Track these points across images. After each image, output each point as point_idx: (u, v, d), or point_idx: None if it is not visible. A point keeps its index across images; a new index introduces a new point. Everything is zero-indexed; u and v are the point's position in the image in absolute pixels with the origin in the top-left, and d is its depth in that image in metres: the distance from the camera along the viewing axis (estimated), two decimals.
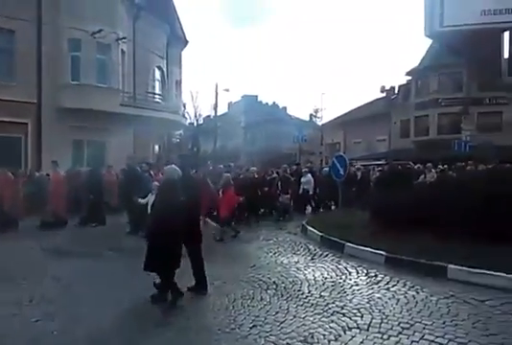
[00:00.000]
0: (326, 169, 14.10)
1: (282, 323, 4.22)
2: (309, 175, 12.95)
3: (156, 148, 21.94)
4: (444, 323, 4.12)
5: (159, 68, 22.15)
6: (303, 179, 12.79)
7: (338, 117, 39.63)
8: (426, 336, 3.82)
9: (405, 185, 9.48)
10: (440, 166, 14.04)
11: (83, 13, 16.02)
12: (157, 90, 22.13)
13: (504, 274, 5.15)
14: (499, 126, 25.14)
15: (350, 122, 35.44)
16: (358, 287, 5.34)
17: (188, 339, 3.97)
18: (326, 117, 53.03)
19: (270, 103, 53.43)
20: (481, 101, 25.77)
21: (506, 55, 10.38)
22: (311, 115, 48.29)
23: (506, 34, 9.37)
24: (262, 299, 4.96)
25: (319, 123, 43.41)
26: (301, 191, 12.65)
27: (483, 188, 7.00)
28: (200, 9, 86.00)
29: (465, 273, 5.45)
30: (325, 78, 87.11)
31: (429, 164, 13.49)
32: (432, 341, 3.72)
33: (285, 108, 53.23)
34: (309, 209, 13.17)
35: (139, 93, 19.57)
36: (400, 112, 30.40)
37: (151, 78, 21.32)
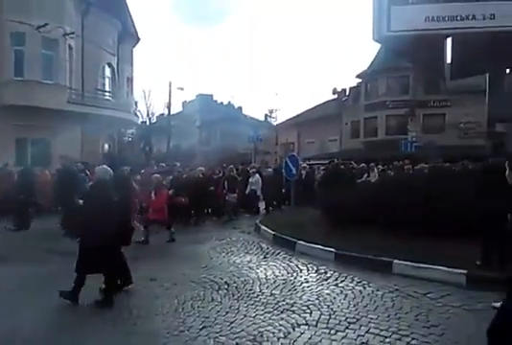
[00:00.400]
0: (270, 169, 14.21)
1: (232, 323, 4.20)
2: (257, 176, 13.00)
3: (106, 147, 21.24)
4: (388, 316, 4.27)
5: (109, 65, 21.46)
6: (251, 179, 12.82)
7: (293, 117, 40.19)
8: (371, 330, 3.95)
9: (347, 184, 9.81)
10: (380, 166, 14.44)
11: (28, 7, 15.17)
12: (107, 87, 21.43)
13: (444, 268, 5.42)
14: (442, 128, 26.53)
15: (304, 122, 36.05)
16: (308, 284, 5.42)
17: (135, 344, 3.86)
18: (281, 117, 53.50)
19: (226, 102, 53.28)
20: (426, 103, 27.05)
21: (449, 60, 11.01)
22: (266, 115, 48.69)
23: (449, 41, 9.93)
24: (213, 300, 4.91)
25: (274, 123, 43.87)
26: (248, 191, 12.67)
27: (423, 186, 7.37)
28: (155, 6, 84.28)
29: (409, 268, 5.69)
30: (280, 79, 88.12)
31: (372, 164, 13.95)
32: (377, 335, 3.85)
33: (240, 108, 53.19)
34: (260, 209, 13.18)
35: (88, 90, 18.86)
36: (350, 113, 31.30)
37: (100, 74, 20.61)
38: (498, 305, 4.44)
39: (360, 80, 31.21)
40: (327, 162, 16.28)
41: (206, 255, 7.32)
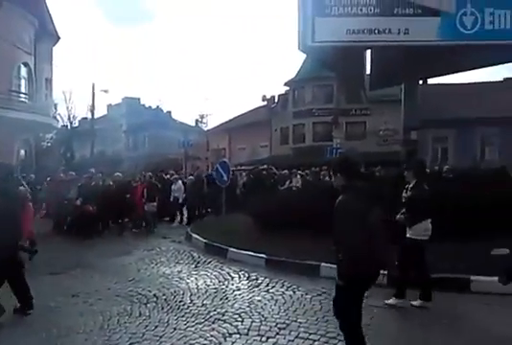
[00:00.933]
0: (191, 177, 14.05)
1: (161, 337, 4.05)
2: (179, 182, 12.71)
3: (22, 152, 19.67)
4: (317, 320, 4.39)
5: (26, 65, 19.97)
6: (173, 187, 12.50)
7: (224, 123, 40.27)
8: (301, 334, 4.02)
9: (269, 190, 10.00)
10: (300, 171, 14.83)
11: None
12: (23, 89, 19.91)
13: None
14: (363, 135, 28.18)
15: (234, 128, 36.27)
16: (239, 292, 5.41)
17: None
18: (212, 123, 53.45)
19: (154, 106, 51.93)
20: (348, 112, 28.57)
21: (369, 71, 11.74)
22: (196, 120, 48.31)
23: (369, 53, 10.60)
24: (141, 314, 4.70)
25: (205, 128, 43.62)
26: (172, 199, 12.36)
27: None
28: (76, 4, 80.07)
29: (335, 270, 5.89)
30: (210, 84, 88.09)
31: (294, 170, 14.37)
32: (307, 339, 3.93)
33: (169, 113, 52.22)
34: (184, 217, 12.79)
35: (0, 91, 17.37)
36: (280, 120, 32.09)
37: (15, 75, 19.13)
38: (415, 303, 4.78)
39: (288, 88, 32.15)
40: (250, 168, 16.52)
41: (133, 267, 7.00)
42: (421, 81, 15.04)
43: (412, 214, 4.79)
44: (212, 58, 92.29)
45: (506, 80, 27.97)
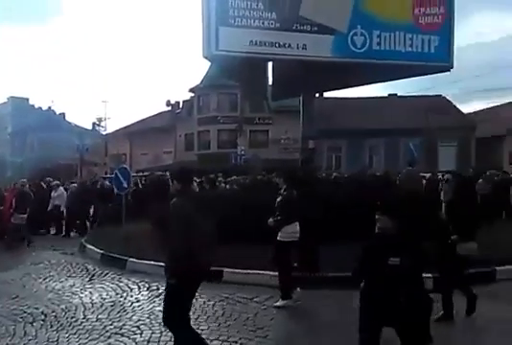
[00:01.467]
0: (74, 184, 13.24)
1: None
2: (61, 189, 11.82)
3: None
4: (219, 325, 4.40)
5: None
6: (53, 194, 11.49)
7: (124, 127, 38.59)
8: None
9: (163, 197, 9.85)
10: (196, 178, 14.89)
11: None
12: None
13: (269, 272, 5.84)
14: (266, 143, 29.24)
15: (136, 133, 35.02)
16: (139, 304, 5.20)
17: None
18: (111, 127, 50.83)
19: (45, 107, 47.80)
20: (252, 120, 29.46)
21: (271, 82, 12.20)
22: (94, 124, 45.51)
23: (271, 64, 11.02)
24: (26, 334, 4.26)
25: (103, 132, 41.33)
26: (51, 207, 11.38)
27: (239, 198, 7.90)
28: None
29: (237, 275, 5.99)
30: (110, 86, 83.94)
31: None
32: None
33: (63, 115, 48.46)
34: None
35: None
36: (184, 126, 31.81)
37: None
38: (278, 304, 4.96)
39: (193, 95, 32.04)
40: (146, 174, 16.14)
41: (17, 283, 6.32)
42: (318, 94, 16.08)
43: (281, 217, 5.06)
44: (113, 60, 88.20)
45: (390, 95, 31.31)
